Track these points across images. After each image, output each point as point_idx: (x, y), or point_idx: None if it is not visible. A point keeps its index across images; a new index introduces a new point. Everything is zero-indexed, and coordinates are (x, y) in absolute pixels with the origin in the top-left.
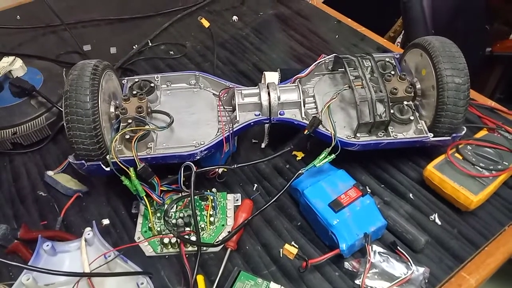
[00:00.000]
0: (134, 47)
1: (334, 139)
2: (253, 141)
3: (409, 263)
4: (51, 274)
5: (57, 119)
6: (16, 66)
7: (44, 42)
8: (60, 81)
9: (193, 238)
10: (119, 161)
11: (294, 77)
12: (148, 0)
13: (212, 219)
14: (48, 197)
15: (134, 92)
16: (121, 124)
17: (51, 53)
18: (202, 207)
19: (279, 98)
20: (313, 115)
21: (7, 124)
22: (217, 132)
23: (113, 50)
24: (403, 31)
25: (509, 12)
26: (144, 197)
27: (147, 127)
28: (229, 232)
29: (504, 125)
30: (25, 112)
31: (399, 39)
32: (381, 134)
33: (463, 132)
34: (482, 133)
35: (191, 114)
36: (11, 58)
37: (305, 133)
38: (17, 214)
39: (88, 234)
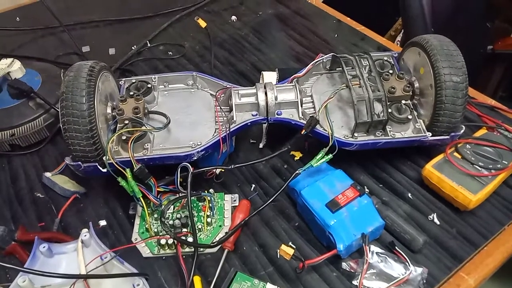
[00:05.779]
0: (133, 48)
1: (332, 139)
2: (251, 141)
3: (407, 263)
4: (47, 277)
5: (55, 120)
6: (14, 68)
7: (43, 43)
8: (59, 82)
9: (190, 239)
10: (116, 162)
11: (292, 76)
12: (147, 1)
13: (209, 220)
14: (46, 199)
15: (131, 93)
16: (118, 125)
17: (50, 54)
18: (199, 208)
19: (276, 98)
20: (310, 115)
21: (5, 125)
22: (214, 132)
23: (112, 51)
24: (402, 30)
25: (511, 10)
26: (141, 198)
27: (143, 128)
28: (226, 233)
29: (504, 123)
30: (23, 113)
31: (398, 38)
32: (379, 134)
33: (462, 131)
34: (481, 132)
35: (188, 115)
36: (10, 59)
37: (302, 133)
38: (15, 215)
39: (85, 235)
